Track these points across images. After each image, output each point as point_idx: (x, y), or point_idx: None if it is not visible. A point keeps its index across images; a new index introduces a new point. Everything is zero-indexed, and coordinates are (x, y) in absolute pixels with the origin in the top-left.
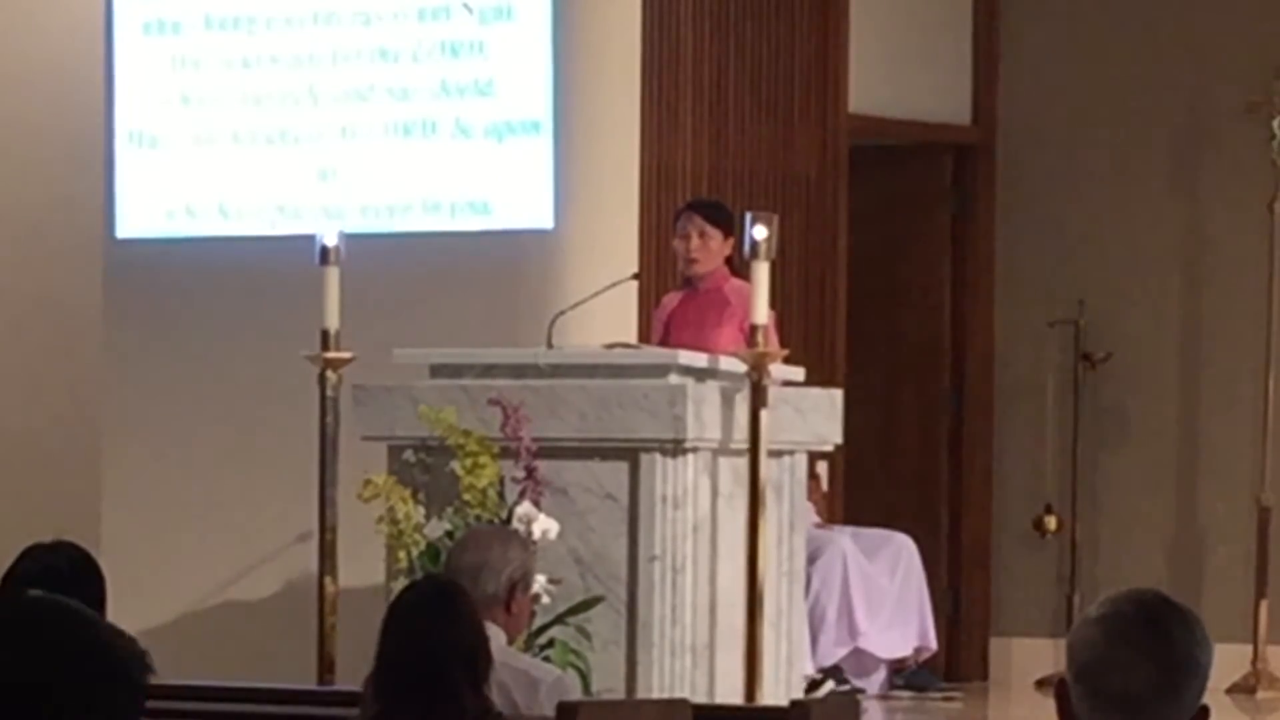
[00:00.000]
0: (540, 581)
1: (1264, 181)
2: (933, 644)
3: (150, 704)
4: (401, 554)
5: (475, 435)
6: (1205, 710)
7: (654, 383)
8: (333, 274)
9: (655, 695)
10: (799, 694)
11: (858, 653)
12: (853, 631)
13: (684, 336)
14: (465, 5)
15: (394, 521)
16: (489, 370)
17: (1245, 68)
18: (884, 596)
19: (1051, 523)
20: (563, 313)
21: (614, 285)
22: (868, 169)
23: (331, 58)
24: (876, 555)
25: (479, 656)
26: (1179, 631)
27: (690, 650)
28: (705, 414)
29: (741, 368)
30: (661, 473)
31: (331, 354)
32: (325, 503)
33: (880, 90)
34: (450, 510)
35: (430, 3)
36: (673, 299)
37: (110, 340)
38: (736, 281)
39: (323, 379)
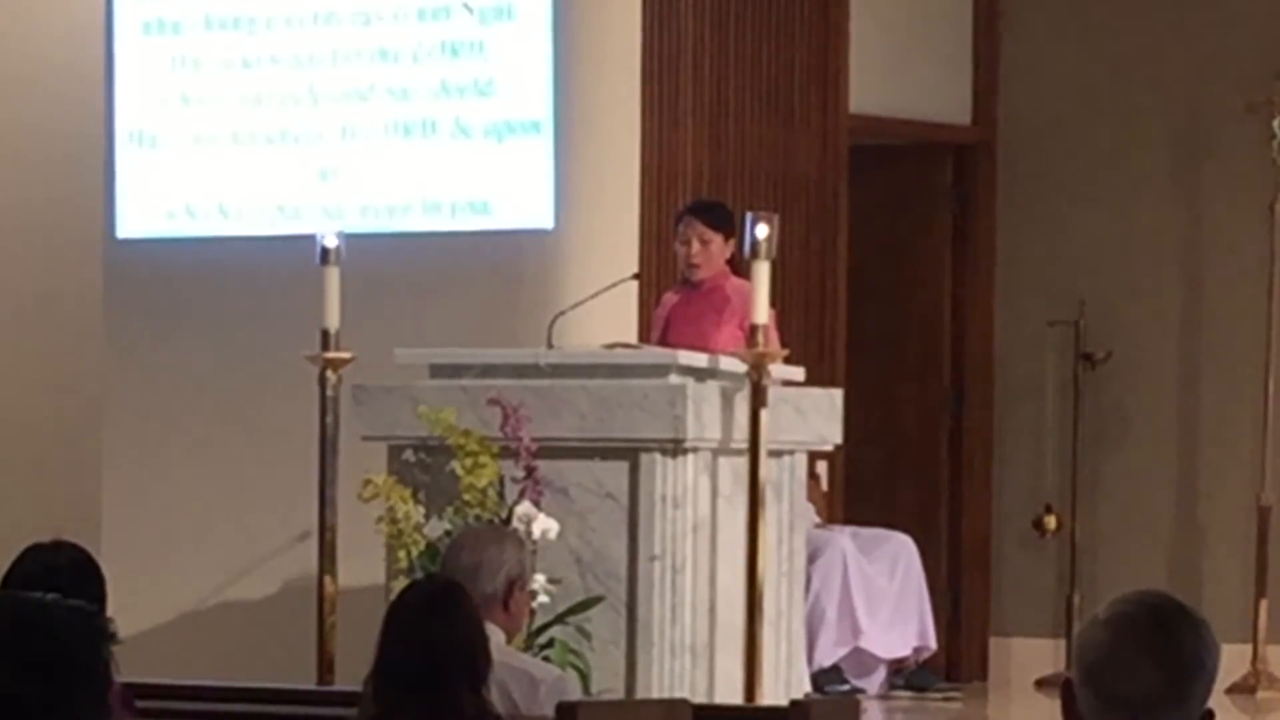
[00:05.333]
0: (540, 581)
1: (1264, 181)
2: (932, 644)
3: (150, 704)
4: (401, 554)
5: (475, 435)
6: (1210, 714)
7: (654, 383)
8: (333, 274)
9: (655, 695)
10: (799, 694)
11: (858, 652)
12: (853, 631)
13: (684, 334)
14: (465, 5)
15: (394, 521)
16: (489, 370)
17: (1245, 68)
18: (884, 596)
19: (1051, 523)
20: (563, 313)
21: (614, 285)
22: (868, 169)
23: (331, 58)
24: (876, 555)
25: (479, 657)
26: (1187, 635)
27: (690, 650)
28: (705, 414)
29: (741, 368)
30: (661, 473)
31: (331, 354)
32: (325, 503)
33: (880, 90)
34: (450, 510)
35: (430, 3)
36: (673, 296)
37: (110, 340)
38: (737, 280)
39: (323, 379)
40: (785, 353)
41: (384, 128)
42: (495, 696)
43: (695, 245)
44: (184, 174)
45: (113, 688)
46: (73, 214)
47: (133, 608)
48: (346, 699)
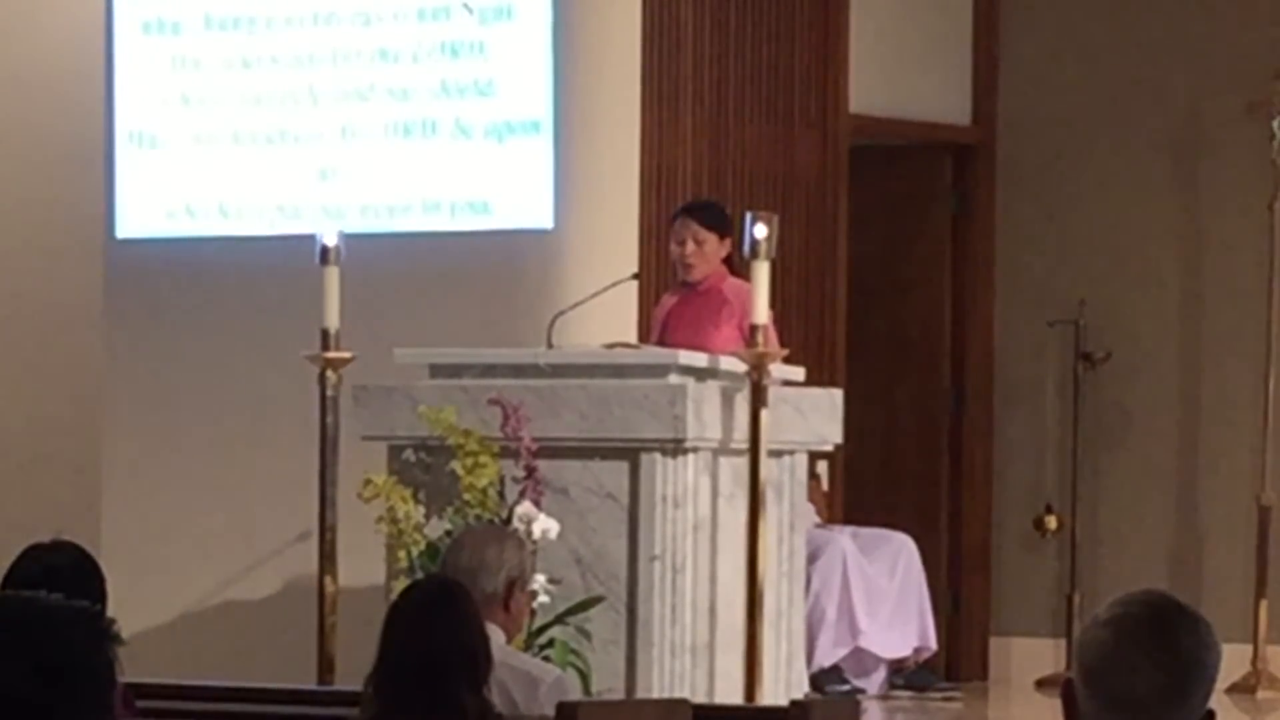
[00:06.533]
0: (540, 581)
1: (1264, 181)
2: (933, 644)
3: (150, 704)
4: (401, 554)
5: (475, 435)
6: (1211, 714)
7: (654, 383)
8: (333, 274)
9: (655, 695)
10: (799, 694)
11: (858, 653)
12: (852, 631)
13: (681, 335)
14: (465, 5)
15: (394, 521)
16: (489, 370)
17: (1245, 68)
18: (884, 596)
19: (1051, 523)
20: (563, 313)
21: (614, 285)
22: (868, 169)
23: (331, 58)
24: (876, 555)
25: (480, 657)
26: (1187, 635)
27: (690, 650)
28: (705, 414)
29: (741, 368)
30: (661, 473)
31: (331, 354)
32: (325, 503)
33: (880, 90)
34: (450, 510)
35: (430, 3)
36: (671, 298)
37: (110, 340)
38: (735, 281)
39: (323, 379)
40: (785, 353)
41: (384, 128)
42: (495, 696)
43: (690, 245)
44: (184, 174)
45: (116, 689)
46: (73, 214)
47: (133, 608)
48: (346, 699)
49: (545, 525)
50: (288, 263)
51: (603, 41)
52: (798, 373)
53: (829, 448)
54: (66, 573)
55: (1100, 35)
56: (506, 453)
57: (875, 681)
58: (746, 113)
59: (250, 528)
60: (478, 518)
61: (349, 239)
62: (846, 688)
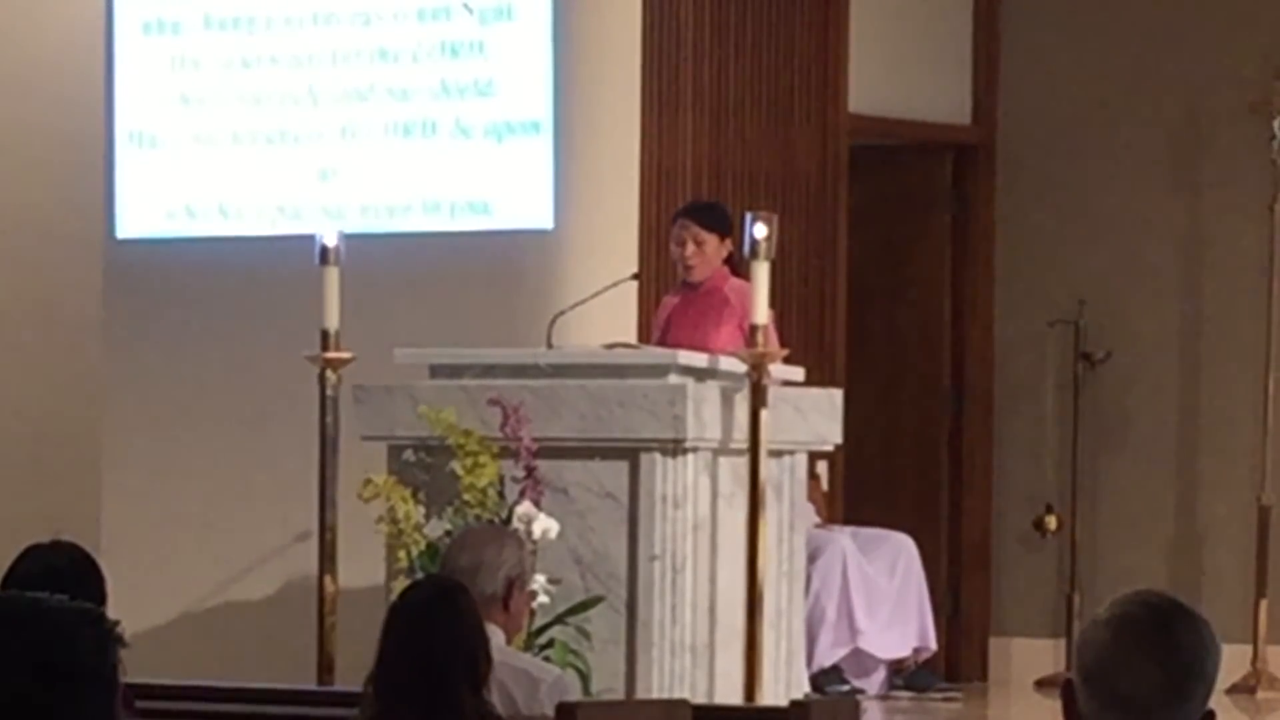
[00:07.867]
0: (540, 581)
1: (1264, 181)
2: (932, 644)
3: (150, 704)
4: (401, 554)
5: (475, 435)
6: (1211, 715)
7: (654, 383)
8: (333, 274)
9: (655, 695)
10: (799, 694)
11: (857, 653)
12: (852, 631)
13: (683, 335)
14: (465, 5)
15: (394, 521)
16: (489, 370)
17: (1245, 68)
18: (883, 596)
19: (1051, 523)
20: (563, 313)
21: (614, 285)
22: (868, 169)
23: (331, 58)
24: (876, 555)
25: (479, 657)
26: (1187, 635)
27: (690, 650)
28: (705, 414)
29: (741, 368)
30: (661, 473)
31: (331, 354)
32: (325, 503)
33: (880, 90)
34: (450, 510)
35: (430, 3)
36: (672, 299)
37: (110, 340)
38: (737, 281)
39: (323, 379)
40: (785, 353)
41: (384, 128)
42: (495, 696)
43: (690, 246)
44: (184, 174)
45: (119, 691)
46: (73, 214)
47: (133, 608)
48: (346, 699)
49: (545, 525)
50: (288, 263)
51: (603, 41)
52: (797, 373)
53: (829, 448)
54: (66, 573)
55: (1100, 35)
56: (506, 453)
57: (875, 681)
58: (746, 113)
59: (250, 528)
60: (478, 518)
61: (349, 239)
62: (846, 688)
